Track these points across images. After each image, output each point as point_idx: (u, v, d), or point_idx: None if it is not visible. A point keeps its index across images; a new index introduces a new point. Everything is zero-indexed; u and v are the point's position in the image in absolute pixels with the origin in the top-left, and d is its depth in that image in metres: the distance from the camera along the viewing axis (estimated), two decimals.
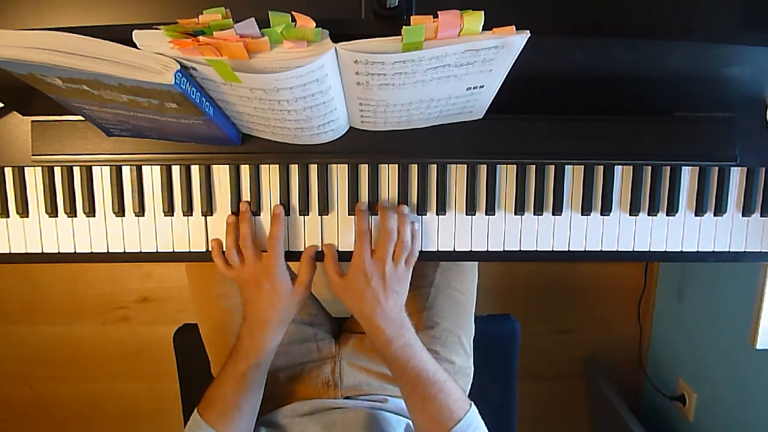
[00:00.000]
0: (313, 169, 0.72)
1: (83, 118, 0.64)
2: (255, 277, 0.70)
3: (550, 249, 0.75)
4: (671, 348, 1.53)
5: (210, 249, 0.72)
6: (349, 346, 0.88)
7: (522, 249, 0.75)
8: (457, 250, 0.74)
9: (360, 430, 0.74)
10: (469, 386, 0.92)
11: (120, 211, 0.72)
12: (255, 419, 0.73)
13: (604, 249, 0.75)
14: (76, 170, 0.71)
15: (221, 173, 0.72)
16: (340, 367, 0.85)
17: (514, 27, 0.48)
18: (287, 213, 0.72)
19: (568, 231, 0.74)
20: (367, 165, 0.72)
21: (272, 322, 0.72)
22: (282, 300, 0.71)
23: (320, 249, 0.73)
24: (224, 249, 0.71)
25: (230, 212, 0.72)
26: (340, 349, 0.88)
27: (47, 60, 0.46)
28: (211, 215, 0.72)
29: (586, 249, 0.75)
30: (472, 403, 0.69)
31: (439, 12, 0.47)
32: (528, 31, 0.48)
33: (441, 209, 0.73)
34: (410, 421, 0.78)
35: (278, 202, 0.72)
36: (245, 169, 0.71)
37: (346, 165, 0.72)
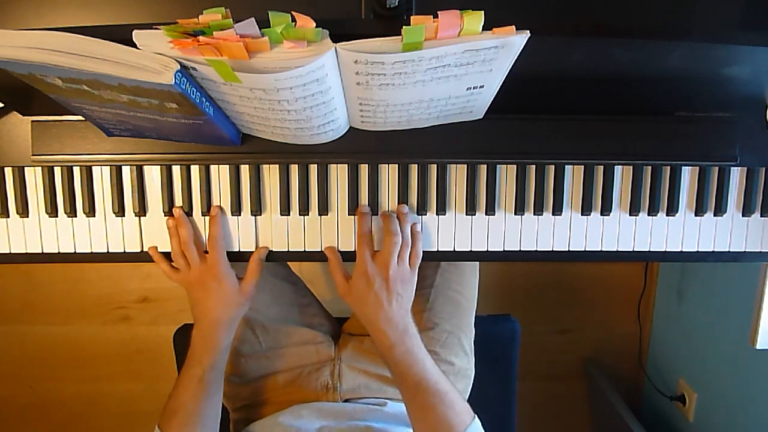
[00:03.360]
0: (313, 169, 0.72)
1: (83, 118, 0.64)
2: (201, 278, 0.70)
3: (550, 249, 0.75)
4: (671, 348, 1.53)
5: (152, 256, 0.72)
6: (349, 349, 0.87)
7: (522, 249, 0.75)
8: (457, 250, 0.74)
9: None
10: (470, 388, 0.92)
11: (120, 211, 0.72)
12: (218, 424, 0.73)
13: (604, 249, 0.75)
14: (76, 170, 0.71)
15: (221, 173, 0.72)
16: (340, 369, 0.85)
17: (514, 27, 0.48)
18: (287, 213, 0.72)
19: (568, 231, 0.74)
20: (367, 165, 0.72)
21: (221, 322, 0.71)
22: (228, 298, 0.71)
23: (322, 250, 0.73)
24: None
25: (229, 213, 0.72)
26: (339, 351, 0.88)
27: (47, 60, 0.46)
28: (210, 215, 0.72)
29: (586, 249, 0.75)
30: (476, 416, 0.67)
31: (439, 12, 0.47)
32: (528, 31, 0.48)
33: (441, 209, 0.73)
34: (409, 428, 0.78)
35: (278, 202, 0.72)
36: (245, 169, 0.71)
37: (346, 165, 0.72)
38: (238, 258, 0.73)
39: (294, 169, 0.72)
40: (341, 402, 0.83)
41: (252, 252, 0.73)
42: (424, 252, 0.73)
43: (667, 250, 0.75)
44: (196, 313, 0.72)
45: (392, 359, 0.69)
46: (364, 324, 0.71)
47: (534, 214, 0.74)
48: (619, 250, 0.75)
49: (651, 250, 0.75)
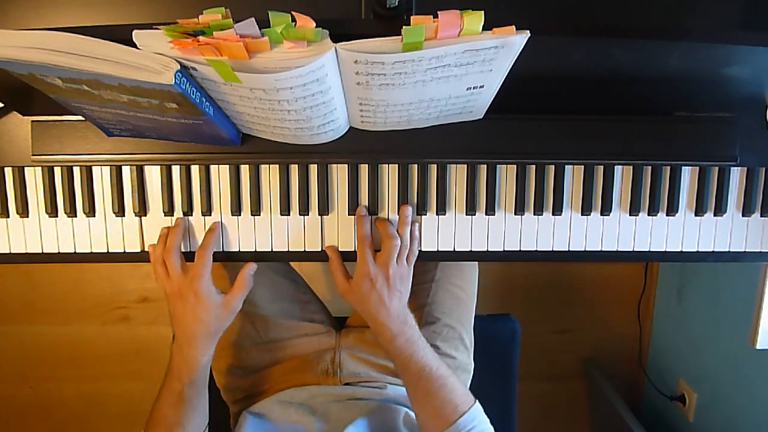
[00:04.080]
0: (313, 169, 0.72)
1: (83, 118, 0.64)
2: (180, 290, 0.69)
3: (550, 249, 0.75)
4: (671, 348, 1.53)
5: (149, 254, 0.71)
6: (350, 339, 0.88)
7: (522, 249, 0.75)
8: (457, 250, 0.74)
9: (355, 414, 0.74)
10: (469, 383, 0.92)
11: (120, 211, 0.72)
12: (204, 429, 0.73)
13: (604, 249, 0.75)
14: (76, 170, 0.71)
15: (221, 173, 0.72)
16: (340, 356, 0.86)
17: (514, 27, 0.48)
18: (287, 213, 0.72)
19: (568, 231, 0.74)
20: (367, 165, 0.72)
21: (199, 336, 0.70)
22: (208, 312, 0.69)
23: (322, 250, 0.73)
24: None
25: (229, 213, 0.72)
26: (340, 341, 0.89)
27: (47, 60, 0.46)
28: (210, 215, 0.72)
29: (586, 249, 0.75)
30: (476, 400, 0.69)
31: (439, 12, 0.47)
32: (528, 31, 0.48)
33: (441, 209, 0.73)
34: (409, 410, 0.78)
35: (278, 202, 0.72)
36: (245, 169, 0.71)
37: (346, 165, 0.72)
38: (237, 258, 0.73)
39: (294, 169, 0.72)
40: (341, 385, 0.84)
41: (251, 252, 0.73)
42: (424, 252, 0.73)
43: (667, 250, 0.75)
44: (174, 325, 0.71)
45: (394, 350, 0.70)
46: (366, 320, 0.72)
47: (534, 214, 0.74)
48: (619, 250, 0.75)
49: (651, 250, 0.75)
